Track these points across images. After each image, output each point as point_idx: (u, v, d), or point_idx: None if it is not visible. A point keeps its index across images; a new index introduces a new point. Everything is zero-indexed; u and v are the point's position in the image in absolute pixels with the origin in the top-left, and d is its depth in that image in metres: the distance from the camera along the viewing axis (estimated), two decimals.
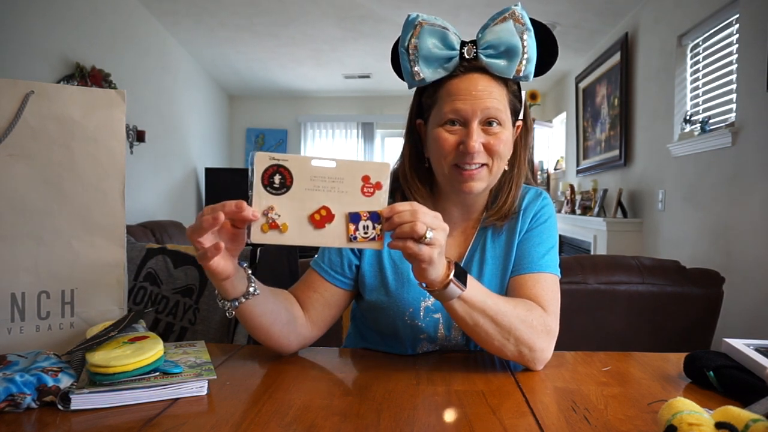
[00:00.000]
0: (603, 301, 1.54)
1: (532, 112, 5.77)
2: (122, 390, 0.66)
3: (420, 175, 0.97)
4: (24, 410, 0.64)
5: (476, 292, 0.77)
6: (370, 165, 0.69)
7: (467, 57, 0.86)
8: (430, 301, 0.93)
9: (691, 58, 3.18)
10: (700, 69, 3.07)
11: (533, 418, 0.64)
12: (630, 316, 1.55)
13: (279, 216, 0.68)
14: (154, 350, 0.70)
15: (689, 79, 3.19)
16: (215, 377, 0.72)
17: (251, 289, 0.77)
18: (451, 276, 0.73)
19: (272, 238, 0.69)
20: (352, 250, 0.96)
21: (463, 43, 0.86)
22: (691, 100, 3.17)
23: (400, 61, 0.90)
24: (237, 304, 0.77)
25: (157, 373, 0.70)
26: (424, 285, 0.75)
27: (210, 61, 5.46)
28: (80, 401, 0.64)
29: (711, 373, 0.73)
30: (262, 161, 0.67)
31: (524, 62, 0.85)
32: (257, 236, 0.69)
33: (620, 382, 0.78)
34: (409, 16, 0.87)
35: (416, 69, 0.87)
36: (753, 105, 2.45)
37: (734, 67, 2.67)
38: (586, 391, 0.73)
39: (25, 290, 0.80)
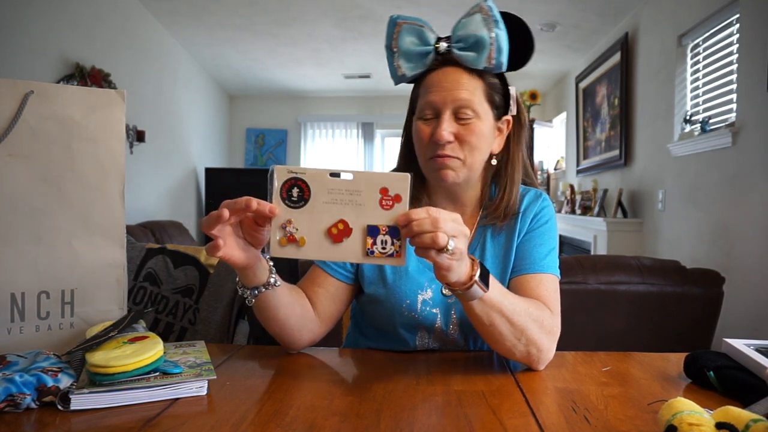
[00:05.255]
0: (603, 301, 1.54)
1: (532, 112, 5.80)
2: (122, 390, 0.66)
3: (413, 170, 0.98)
4: (24, 410, 0.64)
5: (496, 292, 0.76)
6: (388, 177, 0.66)
7: (441, 51, 0.90)
8: (428, 294, 0.94)
9: (691, 58, 3.18)
10: (700, 69, 3.07)
11: (533, 419, 0.64)
12: (630, 316, 1.54)
13: (297, 230, 0.68)
14: (154, 350, 0.70)
15: (689, 79, 3.19)
16: (215, 377, 0.72)
17: (272, 280, 0.80)
18: (476, 278, 0.72)
19: (290, 252, 0.69)
20: None
21: (438, 39, 0.90)
22: (691, 100, 3.16)
23: (387, 62, 0.94)
24: (257, 292, 0.80)
25: (157, 373, 0.70)
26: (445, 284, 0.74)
27: (210, 61, 5.46)
28: (80, 401, 0.64)
29: (711, 373, 0.73)
30: (281, 174, 0.67)
31: (494, 53, 0.87)
32: (276, 250, 0.69)
33: (620, 382, 0.78)
34: (390, 17, 0.92)
35: (398, 65, 0.92)
36: (753, 105, 2.45)
37: (734, 67, 2.67)
38: (586, 391, 0.73)
39: (25, 290, 0.80)
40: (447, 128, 0.88)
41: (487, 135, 0.92)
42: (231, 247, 0.72)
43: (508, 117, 0.96)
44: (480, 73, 0.90)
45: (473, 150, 0.90)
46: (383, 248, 0.67)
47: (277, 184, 0.67)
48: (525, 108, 0.99)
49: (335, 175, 0.67)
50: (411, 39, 0.90)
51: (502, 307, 0.76)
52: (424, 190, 1.00)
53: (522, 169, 1.00)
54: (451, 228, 0.66)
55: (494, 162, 0.97)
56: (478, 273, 0.72)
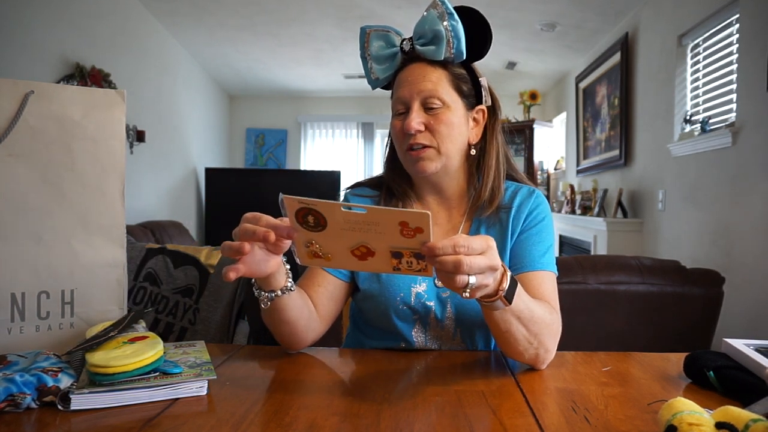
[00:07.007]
0: (603, 301, 1.54)
1: (532, 112, 5.80)
2: (122, 390, 0.66)
3: (398, 169, 1.03)
4: (24, 410, 0.64)
5: (519, 300, 0.74)
6: (406, 214, 0.62)
7: (406, 50, 0.95)
8: (422, 287, 0.96)
9: (691, 58, 3.18)
10: (700, 69, 3.07)
11: (533, 418, 0.64)
12: (630, 316, 1.54)
13: (320, 247, 0.68)
14: (154, 350, 0.70)
15: (689, 79, 3.19)
16: (215, 377, 0.72)
17: (288, 284, 0.82)
18: (503, 295, 0.70)
19: (319, 263, 0.70)
20: None
21: (402, 40, 0.96)
22: (691, 100, 3.16)
23: (363, 69, 1.00)
24: (273, 296, 0.81)
25: (157, 373, 0.70)
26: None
27: (210, 61, 5.46)
28: (80, 401, 0.64)
29: (711, 373, 0.73)
30: (291, 205, 0.65)
31: (452, 43, 0.92)
32: (305, 261, 0.70)
33: (620, 382, 0.77)
34: (361, 28, 0.98)
35: (371, 69, 0.98)
36: (753, 105, 2.45)
37: (734, 67, 2.67)
38: (586, 391, 0.73)
39: (25, 290, 0.80)
40: (416, 118, 0.92)
41: (457, 124, 0.95)
42: (249, 265, 0.73)
43: (483, 107, 0.99)
44: (444, 65, 0.95)
45: (445, 139, 0.93)
46: (409, 267, 0.66)
47: (289, 212, 0.66)
48: (498, 98, 1.02)
49: (347, 208, 0.64)
50: (379, 44, 0.97)
51: (522, 315, 0.76)
52: (410, 186, 1.04)
53: (504, 160, 1.02)
54: (477, 266, 0.63)
55: (473, 152, 0.99)
56: (505, 289, 0.70)
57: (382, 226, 0.63)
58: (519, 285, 0.75)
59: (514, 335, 0.77)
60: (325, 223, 0.65)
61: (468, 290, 0.64)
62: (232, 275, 0.69)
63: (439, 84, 0.93)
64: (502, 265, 0.70)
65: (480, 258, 0.63)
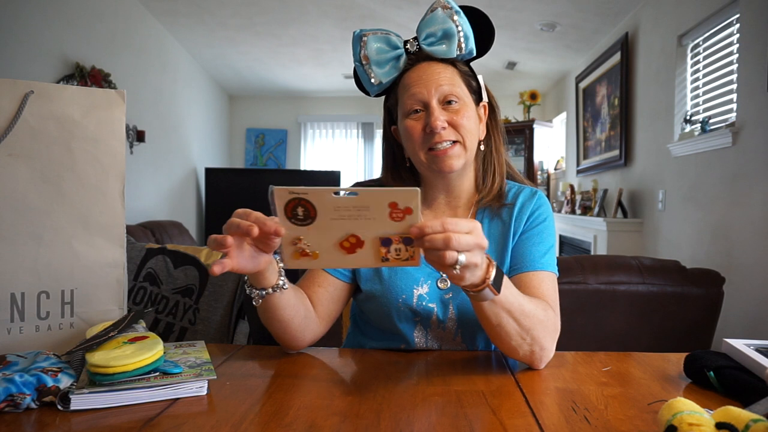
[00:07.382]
0: (603, 301, 1.54)
1: (532, 112, 5.80)
2: (122, 390, 0.66)
3: (402, 177, 1.02)
4: (24, 410, 0.64)
5: (507, 293, 0.75)
6: (396, 192, 0.63)
7: (411, 51, 0.94)
8: (424, 289, 0.95)
9: (691, 58, 3.18)
10: (700, 69, 3.07)
11: (533, 418, 0.64)
12: (630, 316, 1.54)
13: (308, 245, 0.68)
14: (154, 350, 0.70)
15: (689, 79, 3.19)
16: (215, 377, 0.72)
17: (280, 282, 0.81)
18: (490, 283, 0.71)
19: (305, 264, 0.70)
20: None
21: (405, 41, 0.95)
22: (691, 100, 3.16)
23: (359, 76, 0.97)
24: (264, 293, 0.80)
25: (157, 373, 0.70)
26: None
27: (210, 61, 5.46)
28: (80, 401, 0.64)
29: (711, 373, 0.73)
30: (281, 196, 0.65)
31: (462, 40, 0.92)
32: (290, 263, 0.70)
33: (620, 382, 0.78)
34: (354, 33, 0.95)
35: (372, 74, 0.95)
36: (753, 105, 2.45)
37: (734, 67, 2.67)
38: (586, 391, 0.73)
39: (24, 290, 0.80)
40: (439, 116, 0.90)
41: (475, 119, 0.95)
42: (237, 260, 0.72)
43: (484, 103, 1.00)
44: (452, 62, 0.95)
45: (468, 133, 0.93)
46: (398, 255, 0.67)
47: (279, 205, 0.66)
48: (494, 96, 1.04)
49: (337, 192, 0.65)
50: (379, 45, 0.94)
51: (512, 308, 0.76)
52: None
53: (505, 158, 1.03)
54: (465, 243, 0.64)
55: (482, 148, 1.00)
56: (492, 277, 0.71)
57: (372, 211, 0.64)
58: (506, 278, 0.76)
59: (505, 329, 0.77)
60: (315, 215, 0.65)
61: (458, 267, 0.64)
62: (217, 269, 0.69)
63: (454, 81, 0.93)
64: (488, 256, 0.71)
65: (468, 236, 0.64)
